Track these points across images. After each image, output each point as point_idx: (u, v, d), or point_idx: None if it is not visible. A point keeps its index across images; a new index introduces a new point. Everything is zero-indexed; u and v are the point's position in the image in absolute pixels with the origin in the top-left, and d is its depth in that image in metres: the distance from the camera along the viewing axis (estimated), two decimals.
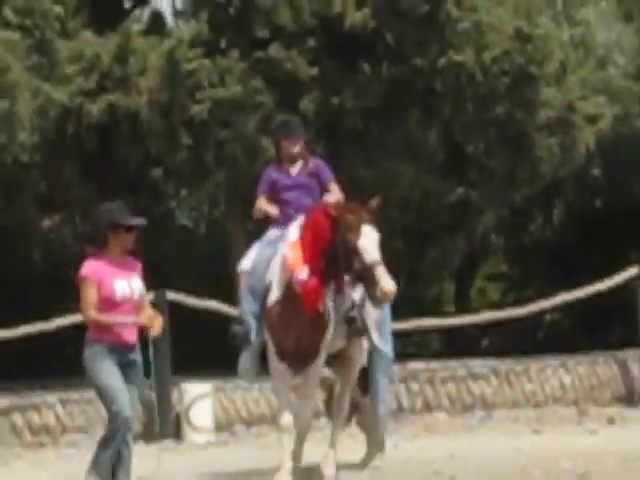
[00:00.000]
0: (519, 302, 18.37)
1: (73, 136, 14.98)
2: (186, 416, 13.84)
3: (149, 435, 13.81)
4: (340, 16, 15.27)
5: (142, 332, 8.40)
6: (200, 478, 10.61)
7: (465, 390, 14.63)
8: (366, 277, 8.73)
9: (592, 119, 17.02)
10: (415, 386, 14.53)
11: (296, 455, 9.46)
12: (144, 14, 17.53)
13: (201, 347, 18.43)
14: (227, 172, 15.79)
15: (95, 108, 14.45)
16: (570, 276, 18.39)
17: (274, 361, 9.38)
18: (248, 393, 14.20)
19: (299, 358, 9.27)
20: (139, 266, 8.62)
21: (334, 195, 9.79)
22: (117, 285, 8.14)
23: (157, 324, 8.38)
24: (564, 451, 10.97)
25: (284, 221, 9.62)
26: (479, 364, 15.47)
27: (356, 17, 15.08)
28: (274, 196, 9.77)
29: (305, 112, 14.90)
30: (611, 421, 14.21)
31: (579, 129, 16.78)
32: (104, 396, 8.13)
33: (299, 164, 9.86)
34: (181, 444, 13.45)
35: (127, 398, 8.12)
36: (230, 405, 14.42)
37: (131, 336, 8.25)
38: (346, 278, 9.09)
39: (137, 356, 8.46)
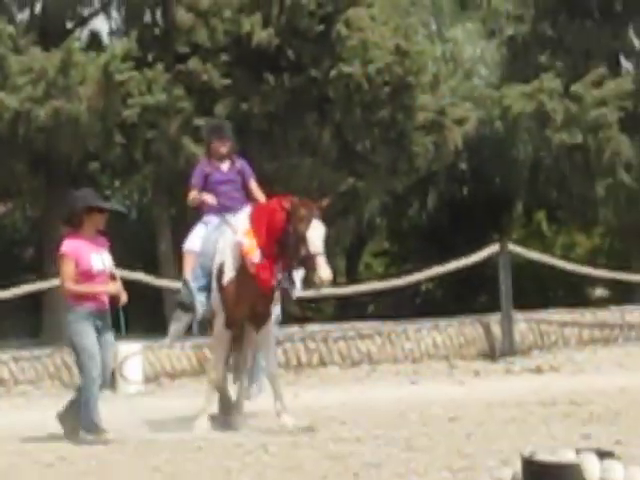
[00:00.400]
0: (399, 274, 19.64)
1: (23, 136, 16.00)
2: (120, 370, 14.69)
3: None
4: (249, 35, 16.68)
5: (111, 300, 9.63)
6: (131, 421, 11.12)
7: (354, 348, 16.00)
8: (308, 264, 9.68)
9: (460, 122, 18.53)
10: (312, 344, 15.87)
11: (224, 403, 10.43)
12: (84, 33, 18.70)
13: (132, 313, 20.17)
14: (153, 166, 17.07)
15: (42, 113, 15.53)
16: (442, 252, 19.47)
17: (221, 328, 10.21)
18: (172, 351, 15.50)
19: (254, 324, 10.21)
20: (107, 243, 9.77)
21: (255, 189, 10.83)
22: (93, 260, 9.38)
23: (124, 294, 9.57)
24: (437, 399, 12.20)
25: (219, 209, 10.45)
26: (366, 326, 17.03)
27: (262, 36, 16.55)
28: (207, 188, 10.52)
29: (219, 116, 16.08)
30: (476, 374, 15.66)
31: (449, 130, 18.27)
32: (80, 356, 9.40)
33: (227, 162, 10.70)
34: (116, 394, 14.02)
35: (98, 360, 9.38)
36: (156, 361, 15.70)
37: (104, 303, 9.52)
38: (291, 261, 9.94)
39: (109, 320, 9.65)
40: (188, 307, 10.31)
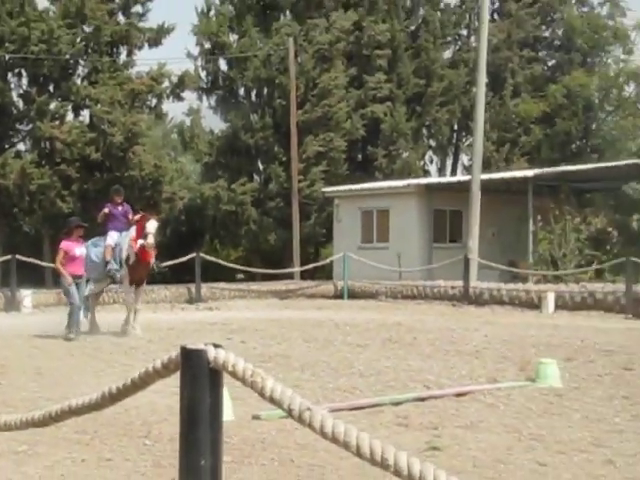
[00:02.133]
0: None
1: None
2: (21, 301, 23.30)
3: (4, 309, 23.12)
4: None
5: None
6: (26, 328, 18.19)
7: None
8: (145, 237, 16.88)
9: None
10: None
11: (130, 317, 17.60)
12: None
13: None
14: None
15: None
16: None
17: (127, 284, 17.76)
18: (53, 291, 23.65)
19: (139, 282, 17.97)
20: (83, 243, 17.29)
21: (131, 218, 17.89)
22: (77, 251, 16.91)
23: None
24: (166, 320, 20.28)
25: (115, 228, 17.88)
26: None
27: None
28: (110, 216, 17.97)
29: None
30: (183, 309, 24.50)
31: None
32: (67, 294, 17.07)
33: (120, 205, 18.42)
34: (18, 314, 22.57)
35: (78, 297, 16.84)
36: (44, 298, 23.99)
37: (80, 271, 17.03)
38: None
39: (83, 278, 17.10)
40: (115, 276, 17.80)
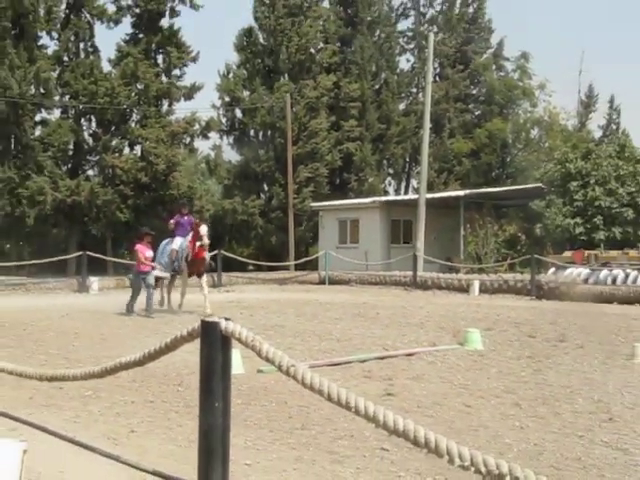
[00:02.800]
0: None
1: None
2: (90, 286, 23.27)
3: (78, 291, 23.08)
4: None
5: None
6: (93, 305, 19.30)
7: None
8: (201, 239, 15.98)
9: None
10: None
11: (182, 298, 16.86)
12: None
13: None
14: None
15: None
16: None
17: (185, 272, 16.78)
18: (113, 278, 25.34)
19: (199, 273, 16.87)
20: (150, 247, 16.70)
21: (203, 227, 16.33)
22: (147, 253, 16.52)
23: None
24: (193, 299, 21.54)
25: (180, 233, 16.81)
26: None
27: None
28: (177, 224, 16.88)
29: None
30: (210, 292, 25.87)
31: None
32: (133, 287, 16.89)
33: (186, 215, 17.32)
34: (87, 295, 23.04)
35: (140, 290, 16.41)
36: (107, 283, 24.13)
37: (147, 268, 16.47)
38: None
39: (148, 274, 16.49)
40: (176, 269, 16.95)
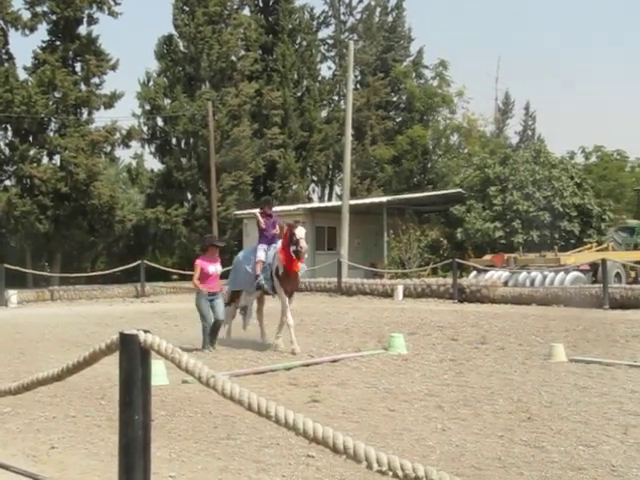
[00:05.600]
0: None
1: None
2: (9, 299, 22.61)
3: None
4: None
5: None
6: (12, 318, 19.36)
7: None
8: (297, 243, 12.15)
9: None
10: None
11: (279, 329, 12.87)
12: None
13: None
14: None
15: None
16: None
17: (282, 291, 12.65)
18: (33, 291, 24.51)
19: (291, 290, 12.84)
20: (219, 260, 12.64)
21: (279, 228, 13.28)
22: (210, 268, 12.36)
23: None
24: (117, 310, 21.12)
25: (264, 240, 13.23)
26: None
27: None
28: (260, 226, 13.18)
29: None
30: (130, 302, 24.21)
31: None
32: (200, 311, 12.41)
33: (269, 216, 13.44)
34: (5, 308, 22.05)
35: (211, 315, 12.31)
36: (26, 296, 24.54)
37: (214, 288, 12.43)
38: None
39: (218, 295, 12.46)
40: (262, 286, 12.96)
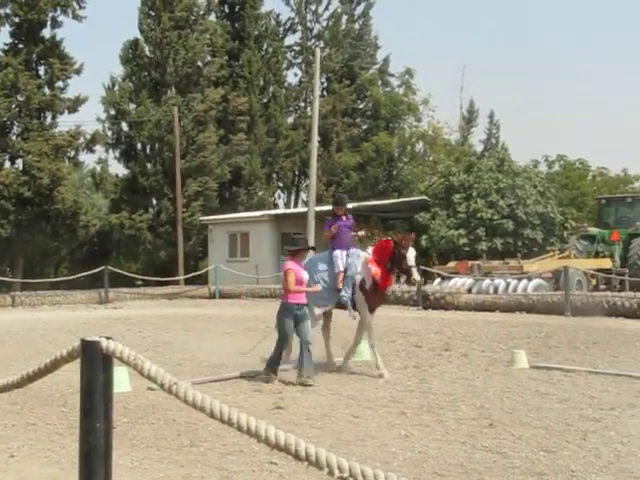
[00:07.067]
0: None
1: None
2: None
3: None
4: None
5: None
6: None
7: None
8: (407, 272, 10.71)
9: None
10: None
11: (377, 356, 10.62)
12: None
13: None
14: None
15: None
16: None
17: (366, 308, 10.81)
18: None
19: (377, 306, 11.22)
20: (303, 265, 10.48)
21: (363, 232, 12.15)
22: (302, 274, 10.29)
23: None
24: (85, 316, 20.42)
25: (339, 245, 11.16)
26: None
27: None
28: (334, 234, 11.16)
29: None
30: (94, 308, 24.06)
31: None
32: (282, 328, 10.12)
33: (343, 217, 11.45)
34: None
35: (293, 335, 10.31)
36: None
37: (303, 299, 10.22)
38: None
39: (304, 309, 10.13)
40: (344, 303, 10.93)
